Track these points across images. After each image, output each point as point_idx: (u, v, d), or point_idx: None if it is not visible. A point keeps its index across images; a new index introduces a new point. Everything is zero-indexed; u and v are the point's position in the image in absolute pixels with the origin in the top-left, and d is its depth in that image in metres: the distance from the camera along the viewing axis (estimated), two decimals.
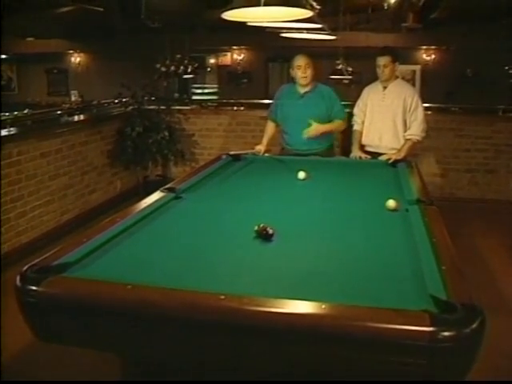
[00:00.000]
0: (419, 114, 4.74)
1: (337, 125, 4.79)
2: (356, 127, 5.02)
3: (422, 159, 6.14)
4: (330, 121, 4.76)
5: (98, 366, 2.98)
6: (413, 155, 4.92)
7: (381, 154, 4.79)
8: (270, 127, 5.07)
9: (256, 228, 2.54)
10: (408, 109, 4.75)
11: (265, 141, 4.95)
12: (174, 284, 1.96)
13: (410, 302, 1.83)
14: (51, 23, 9.69)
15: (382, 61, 4.71)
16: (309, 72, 4.59)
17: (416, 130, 4.75)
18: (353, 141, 5.03)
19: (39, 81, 14.47)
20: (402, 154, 4.65)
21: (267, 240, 2.51)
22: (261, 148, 4.85)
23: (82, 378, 3.04)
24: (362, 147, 4.98)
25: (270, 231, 2.52)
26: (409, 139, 4.76)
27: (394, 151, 4.72)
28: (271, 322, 1.76)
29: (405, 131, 4.79)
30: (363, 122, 4.98)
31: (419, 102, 4.76)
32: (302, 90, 4.74)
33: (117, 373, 2.51)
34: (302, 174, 3.88)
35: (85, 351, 2.40)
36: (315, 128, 4.60)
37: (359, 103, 5.04)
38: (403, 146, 4.74)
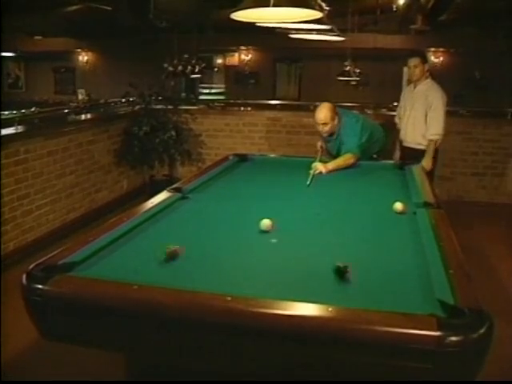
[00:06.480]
0: (438, 113, 4.93)
1: (343, 158, 4.41)
2: (397, 126, 5.43)
3: None
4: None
5: (98, 365, 2.97)
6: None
7: (411, 149, 5.14)
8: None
9: (336, 266, 2.16)
10: (429, 107, 4.95)
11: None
12: (180, 284, 1.95)
13: (417, 306, 1.81)
14: (59, 22, 9.69)
15: (412, 62, 5.04)
16: (327, 128, 4.52)
17: (437, 129, 4.95)
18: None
19: (47, 79, 14.49)
20: (429, 159, 4.93)
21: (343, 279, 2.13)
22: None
23: (83, 378, 3.03)
24: (401, 143, 5.40)
25: (346, 268, 2.14)
26: (431, 140, 4.98)
27: (417, 146, 5.09)
28: (278, 323, 1.75)
29: (425, 129, 4.99)
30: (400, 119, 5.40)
31: (440, 102, 4.95)
32: (329, 138, 4.73)
33: (118, 373, 2.51)
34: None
35: (85, 351, 2.40)
36: (321, 167, 4.20)
37: (400, 102, 5.47)
38: (428, 149, 4.98)
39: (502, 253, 5.11)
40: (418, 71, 5.03)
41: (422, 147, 5.05)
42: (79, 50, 13.75)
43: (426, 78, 5.09)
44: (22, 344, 3.29)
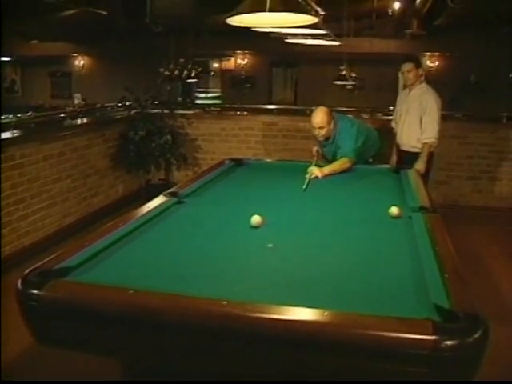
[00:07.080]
0: (433, 117, 4.96)
1: (339, 163, 4.40)
2: (394, 130, 5.47)
3: None
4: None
5: (97, 366, 2.96)
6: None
7: (408, 152, 5.18)
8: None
9: None
10: (424, 111, 4.98)
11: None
12: (176, 289, 1.95)
13: (412, 311, 1.82)
14: (55, 26, 9.71)
15: (406, 67, 5.10)
16: (323, 132, 4.51)
17: (431, 133, 4.98)
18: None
19: (43, 83, 14.50)
20: (423, 163, 4.93)
21: None
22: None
23: (82, 379, 3.02)
24: (397, 147, 5.44)
25: None
26: (425, 143, 5.00)
27: (412, 149, 5.11)
28: (273, 328, 1.75)
29: (420, 132, 5.02)
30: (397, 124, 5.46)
31: (435, 106, 4.98)
32: (325, 142, 4.71)
33: (116, 374, 2.50)
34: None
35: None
36: (317, 171, 4.18)
37: (396, 106, 5.52)
38: (422, 152, 4.99)
39: (497, 257, 5.11)
40: (411, 76, 5.08)
41: (417, 150, 5.07)
42: (75, 54, 13.77)
43: (421, 82, 5.13)
44: (21, 345, 3.27)
